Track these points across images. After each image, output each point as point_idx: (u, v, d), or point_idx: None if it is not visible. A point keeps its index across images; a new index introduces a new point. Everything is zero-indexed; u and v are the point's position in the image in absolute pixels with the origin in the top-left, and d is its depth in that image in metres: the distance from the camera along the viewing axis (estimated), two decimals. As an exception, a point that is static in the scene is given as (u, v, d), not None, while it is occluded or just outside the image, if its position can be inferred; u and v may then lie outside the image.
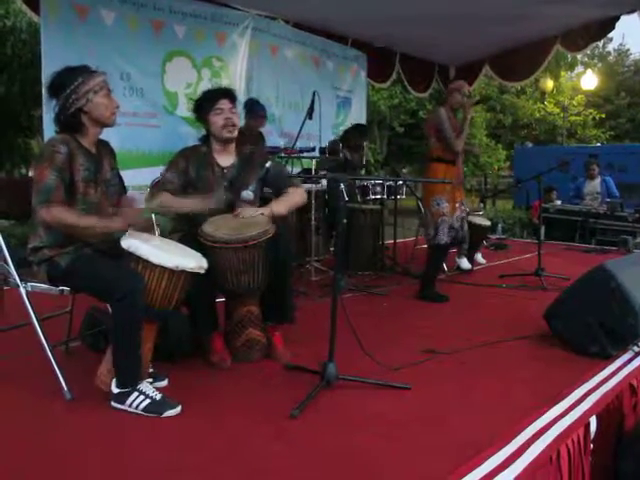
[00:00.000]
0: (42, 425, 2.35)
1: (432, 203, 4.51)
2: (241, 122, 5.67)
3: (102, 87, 2.62)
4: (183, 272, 2.54)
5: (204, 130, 3.31)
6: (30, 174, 14.59)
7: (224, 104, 3.19)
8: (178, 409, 2.42)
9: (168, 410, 2.41)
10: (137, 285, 2.43)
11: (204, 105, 3.23)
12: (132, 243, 2.50)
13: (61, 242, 2.58)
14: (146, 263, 2.48)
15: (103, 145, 2.81)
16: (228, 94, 3.25)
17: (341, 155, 5.69)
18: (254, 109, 5.59)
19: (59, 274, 2.57)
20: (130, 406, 2.43)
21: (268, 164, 3.18)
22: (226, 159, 3.28)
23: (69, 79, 2.58)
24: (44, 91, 4.64)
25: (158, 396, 2.44)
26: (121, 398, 2.44)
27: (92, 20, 4.95)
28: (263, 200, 3.35)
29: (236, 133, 3.23)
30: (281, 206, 3.19)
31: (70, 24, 4.82)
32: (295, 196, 3.30)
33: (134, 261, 2.50)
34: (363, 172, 6.72)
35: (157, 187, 3.20)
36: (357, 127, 6.49)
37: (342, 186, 2.80)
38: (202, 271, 2.63)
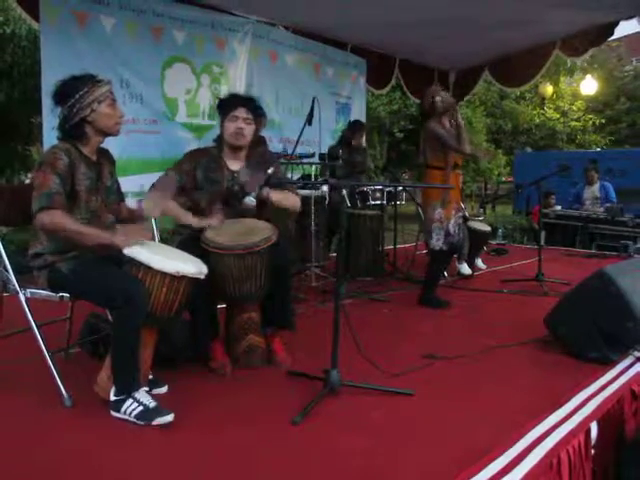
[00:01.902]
0: (42, 432, 2.35)
1: (429, 209, 4.53)
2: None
3: (107, 97, 2.63)
4: (184, 278, 2.54)
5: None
6: (27, 181, 14.62)
7: (240, 113, 3.21)
8: (169, 417, 2.39)
9: (158, 418, 2.38)
10: (138, 292, 2.43)
11: (223, 108, 3.26)
12: (133, 249, 2.50)
13: (62, 248, 2.59)
14: (147, 269, 2.47)
15: (103, 153, 2.82)
16: (247, 104, 3.26)
17: (340, 161, 5.67)
18: None
19: (60, 280, 2.58)
20: (125, 413, 2.42)
21: (270, 170, 3.18)
22: (236, 164, 3.31)
23: (74, 88, 2.59)
24: (43, 98, 4.68)
25: (152, 404, 2.42)
26: (117, 405, 2.44)
27: (91, 26, 4.96)
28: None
29: (244, 142, 3.26)
30: (279, 195, 3.26)
31: (69, 30, 4.82)
32: (292, 198, 3.35)
33: (135, 267, 2.49)
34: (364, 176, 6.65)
35: (162, 182, 3.20)
36: (352, 123, 6.41)
37: (344, 192, 2.81)
38: (202, 276, 2.63)
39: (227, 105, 3.26)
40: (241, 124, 3.20)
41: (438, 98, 4.48)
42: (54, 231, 2.52)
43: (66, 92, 2.59)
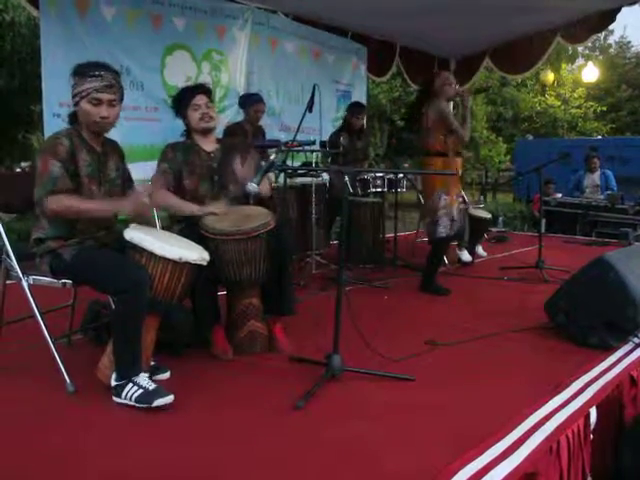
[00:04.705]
0: (44, 417, 2.37)
1: (434, 197, 4.49)
2: (239, 117, 5.68)
3: (89, 93, 2.56)
4: (186, 264, 2.55)
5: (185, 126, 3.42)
6: (18, 170, 14.62)
7: (200, 100, 3.29)
8: (169, 398, 2.40)
9: (158, 399, 2.38)
10: (141, 278, 2.44)
11: (182, 102, 3.34)
12: (135, 235, 2.51)
13: (65, 234, 2.60)
14: (150, 255, 2.49)
15: (110, 144, 2.82)
16: (203, 90, 3.35)
17: (341, 148, 5.66)
18: (247, 99, 5.58)
19: (62, 267, 2.58)
20: (125, 398, 2.43)
21: (273, 156, 3.22)
22: (209, 146, 3.37)
23: (74, 75, 2.58)
24: (44, 86, 4.67)
25: (152, 387, 2.43)
26: (119, 391, 2.45)
27: (92, 14, 4.94)
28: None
29: (213, 124, 3.34)
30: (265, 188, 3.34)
31: (69, 18, 4.81)
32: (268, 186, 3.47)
33: (137, 253, 2.51)
34: (366, 164, 6.62)
35: (156, 180, 3.24)
36: (351, 105, 6.32)
37: (346, 178, 2.82)
38: (204, 263, 2.64)
39: (184, 98, 3.33)
40: (204, 109, 3.28)
41: (452, 84, 4.51)
42: (63, 214, 2.54)
43: (72, 76, 2.59)
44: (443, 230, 4.45)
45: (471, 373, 2.92)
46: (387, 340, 3.30)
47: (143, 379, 2.46)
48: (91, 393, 2.55)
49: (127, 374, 2.45)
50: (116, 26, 5.10)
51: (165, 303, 2.59)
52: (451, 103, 4.89)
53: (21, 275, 2.65)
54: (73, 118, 2.68)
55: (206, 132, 3.34)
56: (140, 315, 2.46)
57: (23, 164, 15.07)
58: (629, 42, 29.25)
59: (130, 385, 2.43)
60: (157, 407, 2.38)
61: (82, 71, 2.59)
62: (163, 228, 3.49)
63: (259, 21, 6.34)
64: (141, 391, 2.41)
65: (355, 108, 6.14)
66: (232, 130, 5.35)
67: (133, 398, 2.42)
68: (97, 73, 2.58)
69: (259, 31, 6.36)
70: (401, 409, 2.49)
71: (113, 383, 2.47)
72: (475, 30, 7.11)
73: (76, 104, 2.60)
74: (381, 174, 5.77)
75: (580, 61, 23.69)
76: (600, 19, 6.62)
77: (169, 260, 2.50)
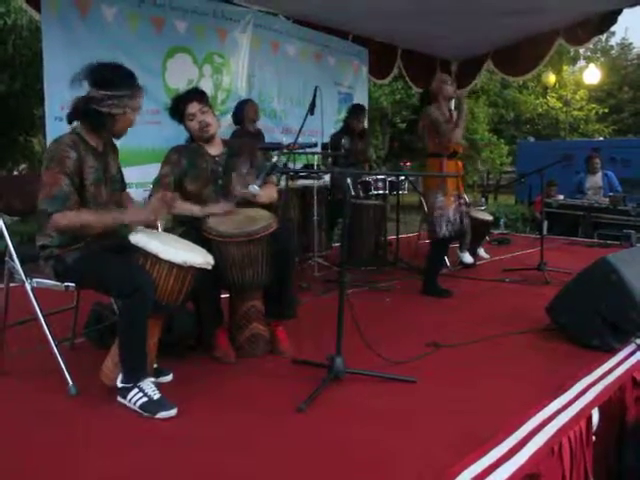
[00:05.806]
0: (46, 419, 2.37)
1: (430, 197, 4.56)
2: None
3: (139, 108, 2.68)
4: (191, 268, 2.55)
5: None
6: (15, 173, 14.64)
7: (193, 108, 3.24)
8: (172, 412, 2.40)
9: (162, 411, 2.39)
10: (146, 281, 2.45)
11: (176, 115, 3.32)
12: (141, 238, 2.52)
13: (69, 241, 2.59)
14: (155, 258, 2.49)
15: (110, 142, 2.83)
16: (194, 96, 3.28)
17: (342, 150, 5.67)
18: (239, 110, 5.58)
19: (65, 270, 2.59)
20: (129, 401, 2.44)
21: (275, 159, 3.21)
22: (215, 149, 3.36)
23: (121, 83, 2.58)
24: (46, 88, 4.68)
25: (156, 396, 2.44)
26: (123, 393, 2.46)
27: (93, 17, 4.94)
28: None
29: (212, 131, 3.29)
30: (264, 198, 3.26)
31: (71, 21, 4.81)
32: (273, 192, 3.40)
33: (142, 256, 2.51)
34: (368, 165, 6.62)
35: (155, 183, 3.24)
36: (352, 107, 6.34)
37: (348, 180, 2.81)
38: (209, 267, 2.65)
39: (178, 109, 3.29)
40: (200, 117, 3.24)
41: (449, 82, 4.54)
42: (72, 230, 2.54)
43: (111, 81, 2.55)
44: (439, 230, 4.49)
45: (473, 375, 2.92)
46: (389, 342, 3.29)
47: (148, 385, 2.47)
48: (94, 395, 2.55)
49: (133, 377, 2.46)
50: (117, 28, 5.10)
51: (169, 307, 2.59)
52: (452, 102, 4.90)
53: (24, 278, 2.66)
54: (97, 117, 2.59)
55: (208, 140, 3.33)
56: (145, 318, 2.46)
57: (22, 166, 15.09)
58: (631, 44, 29.28)
59: (135, 390, 2.44)
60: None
61: (134, 81, 2.63)
62: (165, 230, 3.49)
63: (260, 24, 6.34)
64: (145, 399, 2.42)
65: (356, 110, 6.16)
66: (237, 135, 5.37)
67: (137, 404, 2.42)
68: (140, 85, 2.67)
69: (260, 34, 6.36)
70: (403, 411, 2.49)
71: (119, 385, 2.48)
72: (476, 32, 7.10)
73: (122, 114, 2.60)
74: (382, 176, 5.78)
75: (582, 63, 23.72)
76: (601, 21, 6.61)
77: (174, 264, 2.50)
